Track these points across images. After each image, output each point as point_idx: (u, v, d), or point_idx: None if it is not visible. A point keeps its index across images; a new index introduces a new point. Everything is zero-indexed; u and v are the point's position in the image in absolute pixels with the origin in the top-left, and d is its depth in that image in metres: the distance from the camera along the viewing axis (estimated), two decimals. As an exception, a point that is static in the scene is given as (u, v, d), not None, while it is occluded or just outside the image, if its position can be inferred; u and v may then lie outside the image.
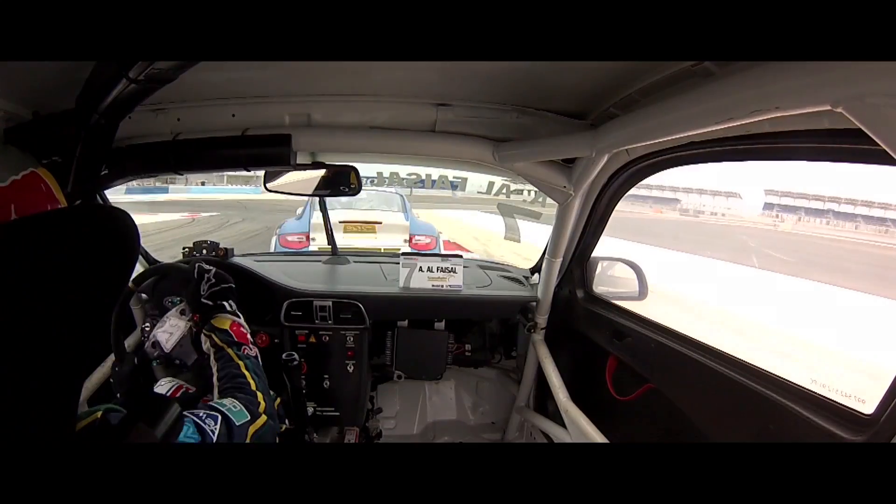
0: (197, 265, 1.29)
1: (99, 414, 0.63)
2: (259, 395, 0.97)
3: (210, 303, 1.21)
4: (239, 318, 1.21)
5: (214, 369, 1.07)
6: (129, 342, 1.65)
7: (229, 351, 1.09)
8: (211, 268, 1.30)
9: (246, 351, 1.11)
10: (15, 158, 0.97)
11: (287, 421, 1.62)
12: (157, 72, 0.89)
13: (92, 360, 1.58)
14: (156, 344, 1.35)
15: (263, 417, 0.90)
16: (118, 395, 1.44)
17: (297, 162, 1.46)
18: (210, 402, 0.84)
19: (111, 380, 1.47)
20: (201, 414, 0.76)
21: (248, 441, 0.83)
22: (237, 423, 0.82)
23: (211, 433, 0.74)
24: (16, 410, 0.46)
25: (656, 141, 1.10)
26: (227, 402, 0.86)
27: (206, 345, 1.14)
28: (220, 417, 0.78)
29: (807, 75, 0.62)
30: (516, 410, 2.16)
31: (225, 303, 1.22)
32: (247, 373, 1.03)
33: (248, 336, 1.18)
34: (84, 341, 0.53)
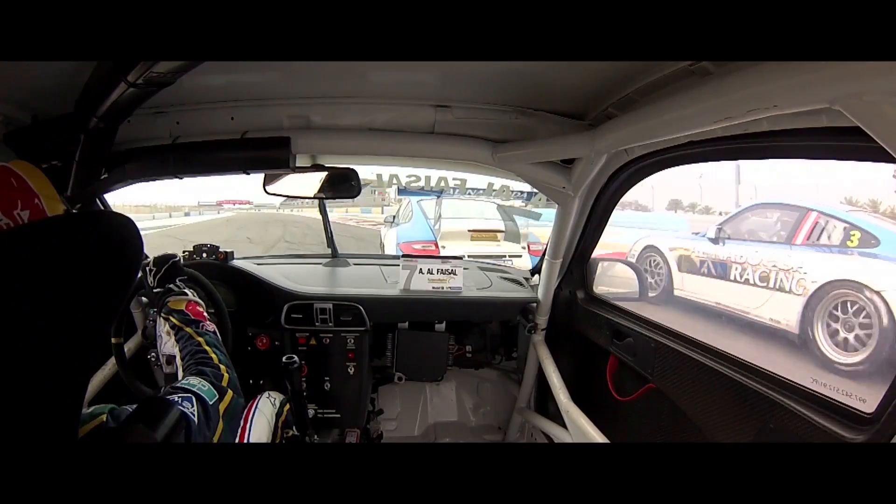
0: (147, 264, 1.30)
1: (104, 417, 0.63)
2: (222, 367, 0.96)
3: (160, 289, 1.21)
4: (187, 295, 1.19)
5: (176, 350, 1.06)
6: (130, 346, 1.65)
7: (188, 330, 1.08)
8: (148, 257, 1.29)
9: (204, 327, 1.10)
10: None
11: (294, 428, 1.62)
12: (156, 75, 0.89)
13: (95, 365, 1.58)
14: (170, 359, 1.36)
15: (230, 394, 0.89)
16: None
17: (297, 164, 1.46)
18: (179, 384, 0.83)
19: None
20: (176, 398, 0.75)
21: (220, 420, 0.82)
22: (210, 402, 0.81)
23: (192, 415, 0.73)
24: (18, 418, 0.46)
25: (655, 140, 1.10)
26: (195, 381, 0.85)
27: (164, 327, 1.13)
28: (194, 398, 0.77)
29: (804, 74, 0.62)
30: (517, 411, 2.16)
31: (172, 285, 1.21)
32: (208, 348, 1.02)
33: (205, 313, 1.17)
34: (87, 348, 0.53)
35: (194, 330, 1.07)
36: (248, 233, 13.08)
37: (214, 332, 1.11)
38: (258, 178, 1.58)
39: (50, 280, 0.48)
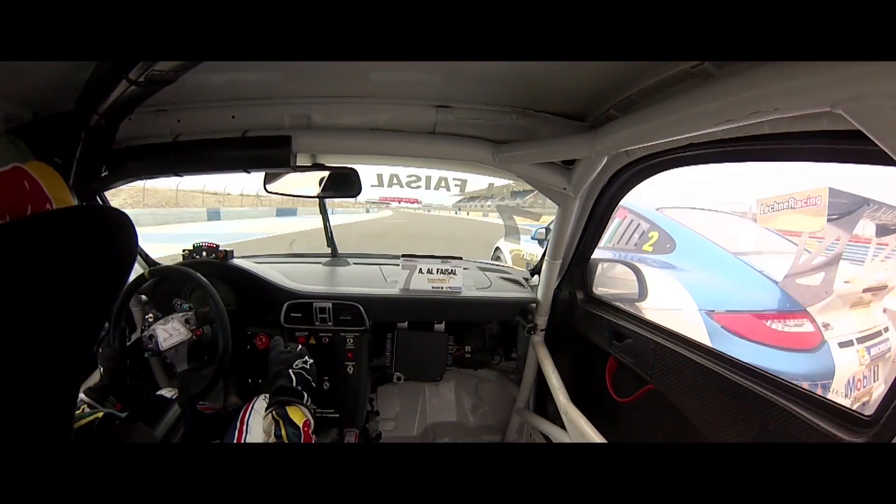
0: (301, 347, 1.28)
1: (100, 414, 0.63)
2: None
3: (294, 382, 1.14)
4: (310, 417, 1.12)
5: None
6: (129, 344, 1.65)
7: None
8: (310, 360, 1.25)
9: None
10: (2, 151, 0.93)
11: None
12: (158, 73, 0.89)
13: (89, 361, 1.58)
14: (152, 337, 1.35)
15: None
16: (101, 370, 1.34)
17: (297, 163, 1.46)
18: None
19: (98, 354, 1.39)
20: None
21: None
22: None
23: None
24: (11, 411, 0.46)
25: (656, 142, 1.10)
26: None
27: (269, 427, 1.04)
28: None
29: (806, 76, 0.63)
30: (516, 412, 2.16)
31: (306, 393, 1.14)
32: None
33: (313, 438, 1.09)
34: (81, 343, 0.53)
35: None
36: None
37: None
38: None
39: (44, 273, 0.47)
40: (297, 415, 1.06)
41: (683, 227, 3.17)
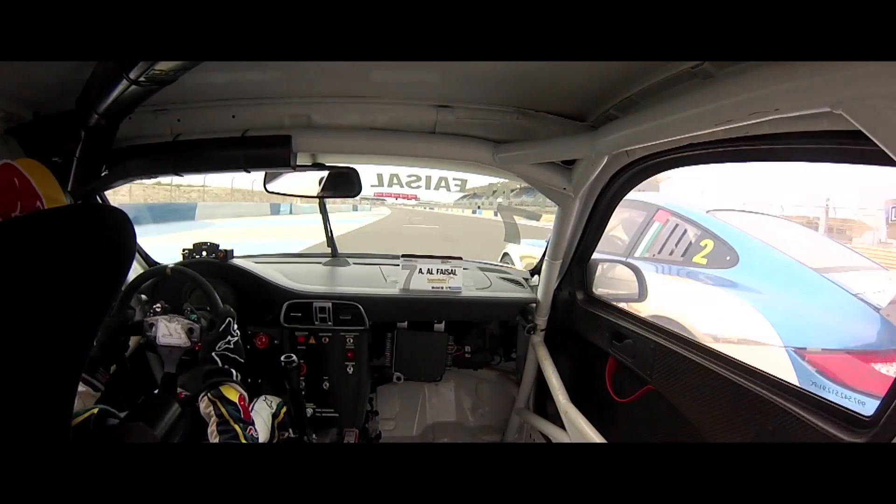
0: (229, 319, 1.26)
1: (95, 410, 0.63)
2: None
3: (220, 364, 1.16)
4: (244, 392, 1.15)
5: (217, 442, 1.02)
6: (129, 343, 1.64)
7: (236, 427, 1.04)
8: (237, 332, 1.26)
9: (251, 432, 1.07)
10: None
11: (290, 430, 1.61)
12: (158, 73, 0.89)
13: (85, 358, 1.57)
14: (153, 326, 1.33)
15: None
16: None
17: (297, 163, 1.46)
18: None
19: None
20: None
21: None
22: None
23: None
24: (8, 411, 0.46)
25: (656, 142, 1.10)
26: None
27: (207, 409, 1.07)
28: None
29: (806, 77, 0.63)
30: (516, 412, 2.16)
31: (234, 370, 1.17)
32: None
33: (249, 408, 1.12)
34: (77, 340, 0.53)
35: (242, 431, 1.04)
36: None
37: (257, 440, 1.09)
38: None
39: (35, 271, 0.47)
40: (231, 392, 1.10)
41: (746, 234, 2.58)
